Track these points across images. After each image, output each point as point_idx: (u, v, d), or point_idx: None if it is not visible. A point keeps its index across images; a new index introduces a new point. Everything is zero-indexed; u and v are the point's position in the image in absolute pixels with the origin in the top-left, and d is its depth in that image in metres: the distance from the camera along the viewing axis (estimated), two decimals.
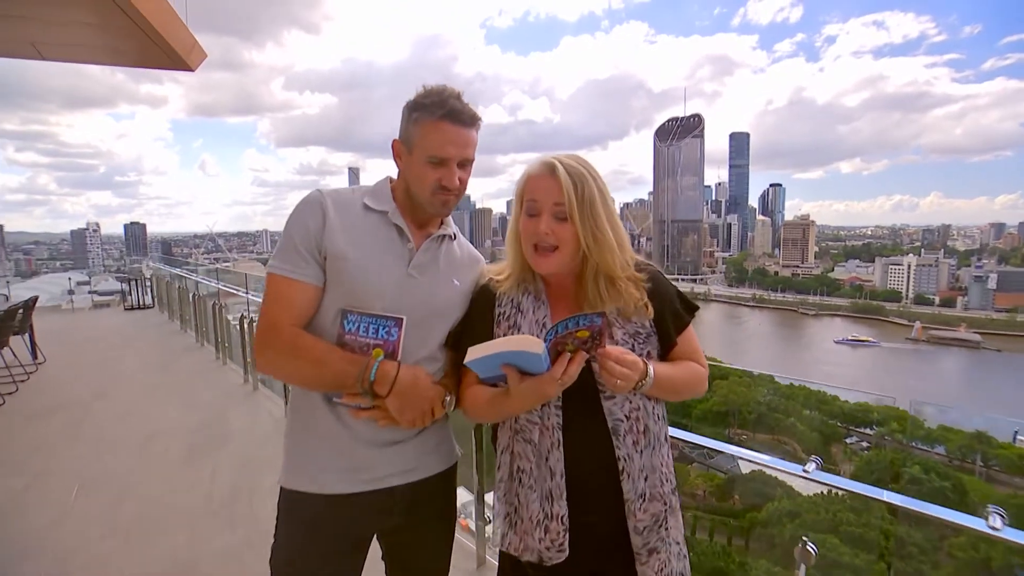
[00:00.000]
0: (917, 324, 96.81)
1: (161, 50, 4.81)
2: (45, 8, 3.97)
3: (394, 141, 1.34)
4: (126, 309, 11.80)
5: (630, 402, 1.23)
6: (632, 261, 1.28)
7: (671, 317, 1.30)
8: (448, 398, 1.31)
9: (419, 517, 1.38)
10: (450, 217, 1.43)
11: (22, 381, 6.05)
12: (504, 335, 1.28)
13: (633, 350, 1.23)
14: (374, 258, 1.27)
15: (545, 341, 1.01)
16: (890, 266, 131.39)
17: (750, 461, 1.76)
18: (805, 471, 1.60)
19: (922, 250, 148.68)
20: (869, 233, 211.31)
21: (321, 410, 1.29)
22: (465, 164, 1.31)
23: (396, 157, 1.34)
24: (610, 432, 1.21)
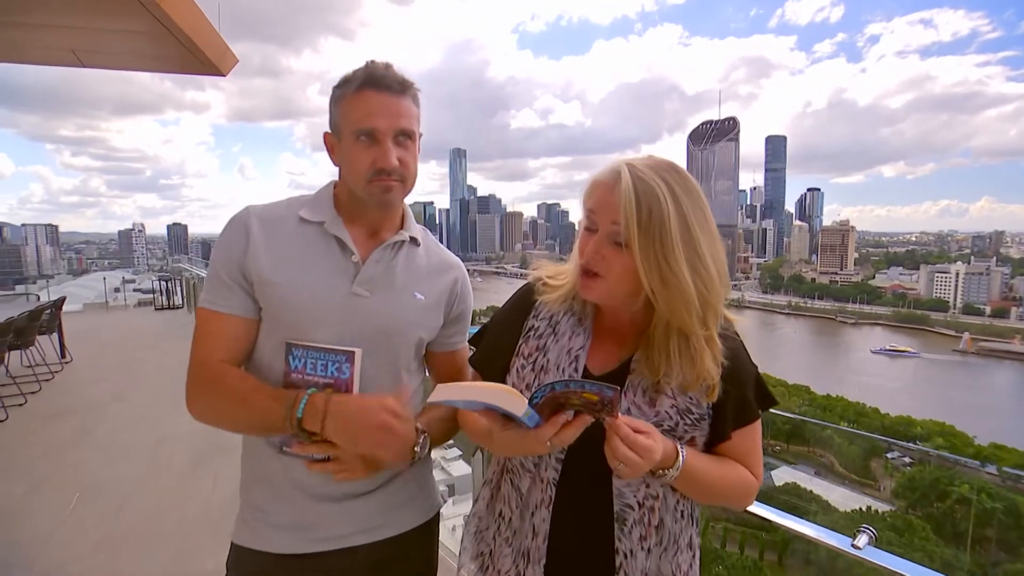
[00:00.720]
0: (966, 335, 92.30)
1: (194, 56, 4.92)
2: (84, 17, 4.11)
3: (324, 134, 1.14)
4: (156, 309, 12.05)
5: (647, 487, 0.97)
6: (716, 318, 0.95)
7: (735, 405, 0.99)
8: (420, 441, 1.06)
9: None
10: (411, 217, 1.22)
11: (46, 380, 6.12)
12: (529, 355, 1.05)
13: (675, 431, 0.96)
14: (308, 279, 1.07)
15: (533, 399, 0.82)
16: (936, 274, 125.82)
17: (798, 531, 1.43)
18: (855, 546, 1.28)
19: (972, 257, 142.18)
20: (914, 239, 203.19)
21: (270, 458, 1.11)
22: (404, 141, 1.07)
23: (330, 152, 1.13)
24: (614, 517, 0.97)
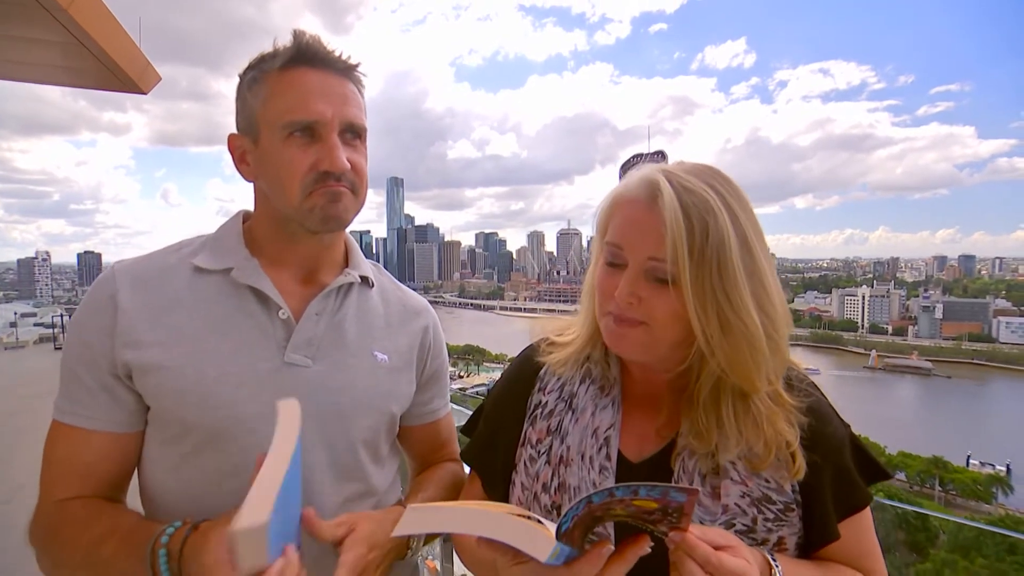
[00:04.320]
0: (873, 353, 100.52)
1: (109, 70, 4.63)
2: None
3: (230, 137, 0.84)
4: (57, 347, 10.92)
5: None
6: (783, 367, 0.72)
7: (834, 487, 0.72)
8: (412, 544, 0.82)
9: None
10: (358, 251, 0.93)
11: None
12: (538, 442, 0.79)
13: (753, 532, 0.69)
14: (216, 352, 0.76)
15: (563, 525, 0.52)
16: (846, 297, 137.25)
17: None
18: None
19: (874, 281, 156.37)
20: (825, 265, 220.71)
21: None
22: (352, 140, 0.81)
23: (240, 163, 0.83)
24: None
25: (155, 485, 0.80)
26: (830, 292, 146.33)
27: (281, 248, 0.84)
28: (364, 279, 0.90)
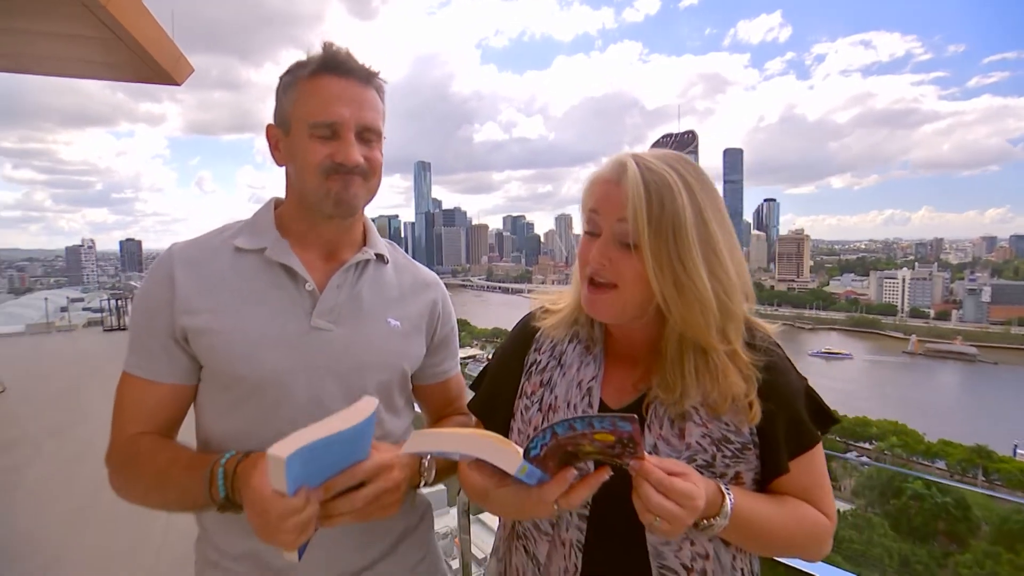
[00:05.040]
0: (913, 337, 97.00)
1: (144, 63, 4.76)
2: (23, 20, 3.90)
3: (268, 127, 0.97)
4: (106, 330, 11.24)
5: (692, 544, 0.80)
6: (739, 329, 0.82)
7: (787, 429, 0.82)
8: (425, 464, 0.94)
9: None
10: (375, 231, 1.07)
11: None
12: (532, 393, 0.91)
13: (712, 466, 0.80)
14: (253, 319, 0.91)
15: (531, 450, 0.65)
16: (885, 279, 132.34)
17: None
18: None
19: (916, 263, 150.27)
20: (863, 247, 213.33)
21: (230, 534, 0.94)
22: (368, 137, 0.93)
23: (274, 150, 0.97)
24: None
25: (208, 427, 0.96)
26: (868, 275, 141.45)
27: (306, 229, 0.98)
28: (379, 256, 1.03)
